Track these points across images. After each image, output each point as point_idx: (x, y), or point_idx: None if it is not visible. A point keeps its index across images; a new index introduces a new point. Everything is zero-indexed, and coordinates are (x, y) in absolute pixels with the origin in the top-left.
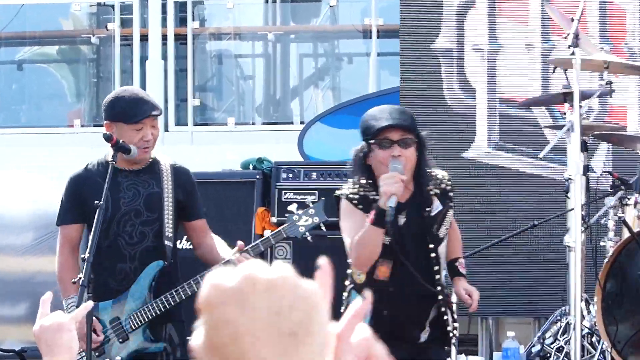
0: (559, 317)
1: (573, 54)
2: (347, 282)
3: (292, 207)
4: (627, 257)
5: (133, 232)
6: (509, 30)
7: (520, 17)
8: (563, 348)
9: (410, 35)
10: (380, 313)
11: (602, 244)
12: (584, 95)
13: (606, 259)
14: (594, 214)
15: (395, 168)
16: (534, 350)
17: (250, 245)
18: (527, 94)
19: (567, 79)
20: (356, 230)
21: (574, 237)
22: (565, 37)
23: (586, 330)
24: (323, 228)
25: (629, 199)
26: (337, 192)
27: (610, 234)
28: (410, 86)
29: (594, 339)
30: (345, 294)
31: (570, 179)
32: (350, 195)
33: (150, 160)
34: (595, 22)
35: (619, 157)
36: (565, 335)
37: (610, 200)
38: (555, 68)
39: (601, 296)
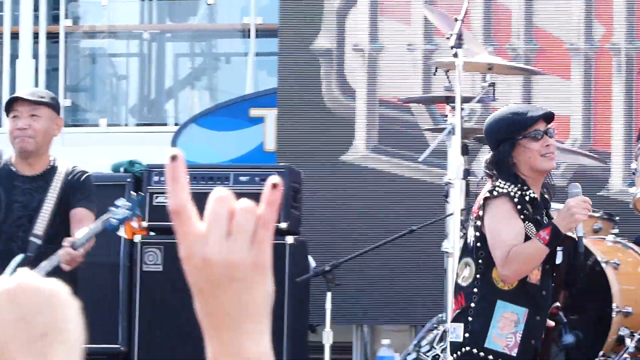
0: (435, 325)
1: (455, 55)
2: (474, 290)
3: (120, 201)
4: None
5: (26, 237)
6: (391, 30)
7: (402, 18)
8: (439, 356)
9: (290, 35)
10: (534, 318)
11: None
12: (466, 98)
13: None
14: None
15: (578, 193)
16: (409, 358)
17: (73, 239)
18: (408, 95)
19: (449, 80)
20: (515, 237)
21: (452, 243)
22: (448, 38)
23: None
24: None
25: None
26: (493, 190)
27: None
28: (288, 87)
29: None
30: (471, 304)
31: (449, 183)
32: (512, 194)
33: (50, 166)
34: (479, 23)
35: None
36: (442, 343)
37: None
38: (436, 69)
39: None
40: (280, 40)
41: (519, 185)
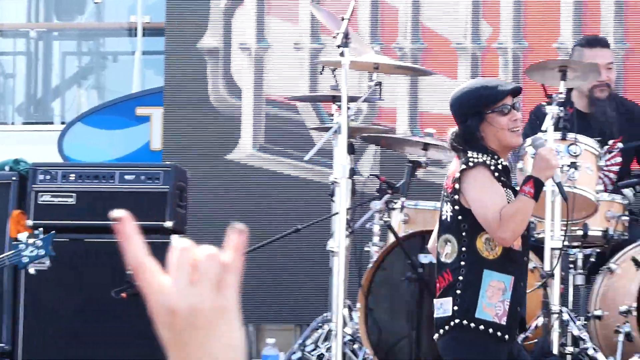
0: (320, 324)
1: (342, 54)
2: (461, 263)
3: (22, 236)
4: (391, 262)
5: None
6: (278, 29)
7: (289, 16)
8: (324, 355)
9: (176, 33)
10: (519, 284)
11: (366, 249)
12: (353, 97)
13: (370, 265)
14: (359, 218)
15: (543, 143)
16: (294, 357)
17: None
18: (295, 94)
19: (335, 79)
20: (501, 200)
21: (338, 242)
22: (335, 37)
23: (348, 337)
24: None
25: (395, 203)
26: (468, 161)
27: (376, 239)
28: (174, 86)
29: (355, 346)
30: (459, 277)
31: (335, 182)
32: (488, 162)
33: None
34: (366, 22)
35: (387, 159)
36: (327, 342)
37: (376, 204)
38: (323, 68)
39: (364, 302)
40: (167, 38)
41: (490, 155)
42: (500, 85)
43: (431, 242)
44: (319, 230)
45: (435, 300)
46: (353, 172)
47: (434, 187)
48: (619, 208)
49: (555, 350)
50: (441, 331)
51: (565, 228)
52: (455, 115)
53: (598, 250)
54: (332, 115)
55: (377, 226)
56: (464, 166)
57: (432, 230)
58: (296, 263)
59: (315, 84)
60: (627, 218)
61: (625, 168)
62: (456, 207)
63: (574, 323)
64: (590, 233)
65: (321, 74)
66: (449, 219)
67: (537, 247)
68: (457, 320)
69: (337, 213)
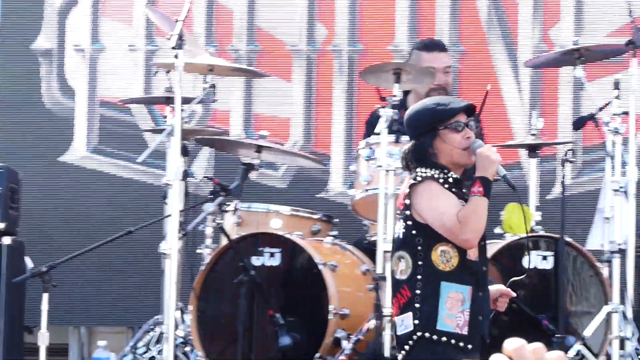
0: (152, 326)
1: (176, 56)
2: (417, 277)
3: None
4: (224, 265)
5: None
6: (112, 30)
7: (124, 18)
8: (155, 358)
9: (10, 34)
10: (477, 294)
11: (199, 251)
12: (187, 99)
13: (202, 267)
14: (192, 220)
15: (481, 144)
16: (125, 359)
17: None
18: (129, 96)
19: (169, 81)
20: (455, 205)
21: (170, 244)
22: (169, 39)
23: (180, 340)
24: None
25: (228, 205)
26: (416, 176)
27: (208, 241)
28: (7, 87)
29: (187, 349)
30: (416, 291)
31: (168, 184)
32: (435, 176)
33: None
34: (201, 24)
35: (221, 162)
36: (159, 345)
37: (209, 207)
38: (157, 70)
39: (196, 305)
40: (1, 40)
41: (440, 169)
42: (453, 102)
43: None
44: (152, 232)
45: (395, 318)
46: (186, 174)
47: (266, 190)
48: None
49: (386, 353)
50: (406, 347)
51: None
52: (410, 133)
53: None
54: (165, 117)
55: (209, 228)
56: (412, 181)
57: (264, 233)
58: (128, 265)
59: (150, 86)
60: None
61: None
62: (409, 223)
63: None
64: None
65: (155, 76)
66: (401, 236)
67: (370, 249)
68: (419, 334)
69: (169, 215)
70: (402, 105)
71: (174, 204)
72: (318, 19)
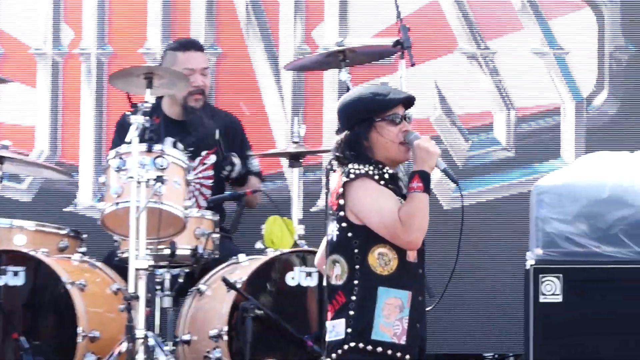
0: None
1: None
2: (354, 282)
3: None
4: None
5: None
6: None
7: None
8: None
9: None
10: (417, 299)
11: None
12: None
13: None
14: None
15: (417, 136)
16: None
17: None
18: None
19: None
20: (395, 203)
21: None
22: None
23: None
24: None
25: None
26: (349, 173)
27: None
28: None
29: None
30: (352, 297)
31: None
32: (370, 173)
33: None
34: None
35: None
36: None
37: None
38: None
39: None
40: None
41: (374, 164)
42: (392, 92)
43: (318, 259)
44: None
45: (327, 323)
46: None
47: (9, 203)
48: (209, 225)
49: None
50: (333, 355)
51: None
52: (342, 122)
53: (187, 270)
54: None
55: None
56: (345, 179)
57: (7, 250)
58: None
59: None
60: (217, 236)
61: (218, 183)
62: (343, 224)
63: (161, 349)
64: (178, 252)
65: None
66: (335, 239)
67: (121, 267)
68: (351, 344)
69: None
70: (155, 111)
71: None
72: (64, 19)
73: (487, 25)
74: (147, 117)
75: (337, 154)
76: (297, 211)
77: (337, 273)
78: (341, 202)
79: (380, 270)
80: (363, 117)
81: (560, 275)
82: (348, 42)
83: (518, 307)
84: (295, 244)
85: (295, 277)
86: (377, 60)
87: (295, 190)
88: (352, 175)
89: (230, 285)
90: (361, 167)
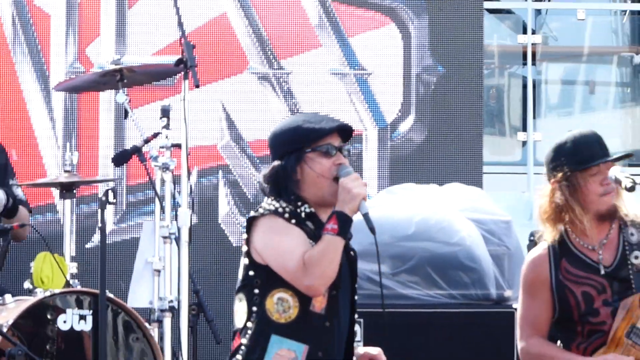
0: None
1: None
2: (248, 325)
3: None
4: None
5: None
6: None
7: None
8: None
9: None
10: (315, 355)
11: None
12: None
13: None
14: None
15: (349, 172)
16: None
17: None
18: None
19: None
20: (302, 243)
21: None
22: None
23: None
24: None
25: None
26: (258, 209)
27: None
28: None
29: None
30: (243, 340)
31: None
32: (280, 210)
33: None
34: None
35: None
36: None
37: None
38: None
39: None
40: None
41: (293, 201)
42: (325, 120)
43: None
44: None
45: None
46: None
47: None
48: None
49: None
50: None
51: None
52: (271, 152)
53: None
54: None
55: None
56: (252, 214)
57: None
58: None
59: None
60: None
61: None
62: (246, 261)
63: None
64: None
65: None
66: (240, 276)
67: None
68: None
69: None
70: None
71: None
72: None
73: (280, 43)
74: None
75: (263, 186)
76: (69, 247)
77: (239, 313)
78: (245, 236)
79: (276, 317)
80: (292, 147)
81: (361, 320)
82: (126, 60)
83: None
84: (68, 284)
85: (68, 320)
86: (159, 81)
87: (68, 224)
88: (260, 210)
89: None
90: (274, 203)
